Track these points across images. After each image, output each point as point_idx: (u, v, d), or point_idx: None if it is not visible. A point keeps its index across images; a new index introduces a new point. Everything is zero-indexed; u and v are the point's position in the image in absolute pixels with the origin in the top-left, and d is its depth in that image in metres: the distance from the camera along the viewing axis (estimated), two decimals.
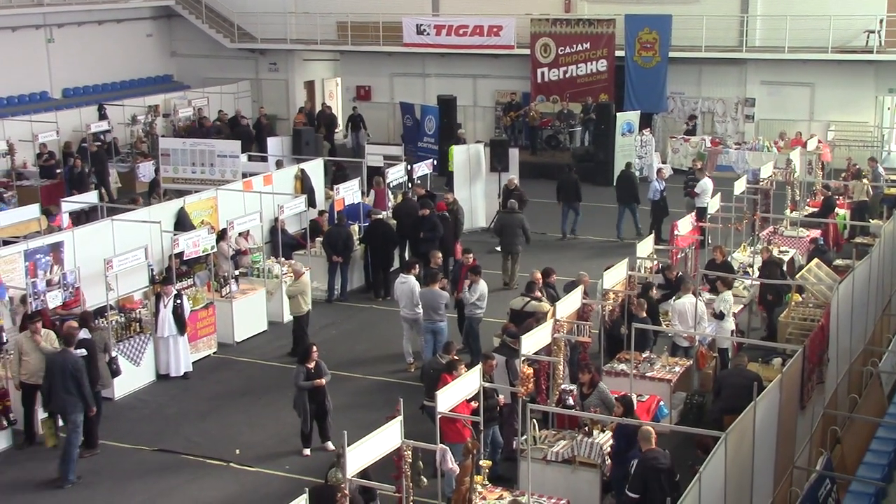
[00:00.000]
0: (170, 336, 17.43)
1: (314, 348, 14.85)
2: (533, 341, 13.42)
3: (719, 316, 16.72)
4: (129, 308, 17.87)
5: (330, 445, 14.89)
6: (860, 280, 15.20)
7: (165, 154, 27.04)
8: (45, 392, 14.50)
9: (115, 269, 16.97)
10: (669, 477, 11.32)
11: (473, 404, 12.24)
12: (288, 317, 19.42)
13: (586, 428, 13.19)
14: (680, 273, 18.60)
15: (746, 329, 18.48)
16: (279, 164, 27.03)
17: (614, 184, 27.19)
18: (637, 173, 30.72)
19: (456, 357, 14.13)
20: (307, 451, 14.89)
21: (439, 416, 11.24)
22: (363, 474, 10.52)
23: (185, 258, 18.71)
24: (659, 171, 26.39)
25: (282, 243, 21.05)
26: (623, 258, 17.03)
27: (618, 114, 32.09)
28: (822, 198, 24.56)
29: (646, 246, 18.22)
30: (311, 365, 14.58)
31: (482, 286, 17.64)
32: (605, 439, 12.97)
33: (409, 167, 25.55)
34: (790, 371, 11.88)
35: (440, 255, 19.48)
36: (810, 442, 13.24)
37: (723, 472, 9.86)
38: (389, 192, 24.58)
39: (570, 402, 13.84)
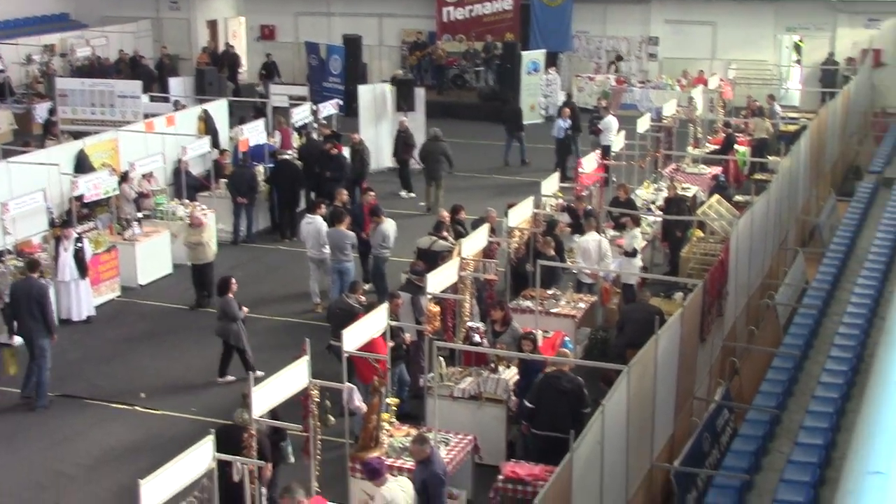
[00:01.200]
0: (71, 280, 17.07)
1: (232, 279, 15.04)
2: (439, 279, 13.46)
3: (632, 253, 16.96)
4: (28, 252, 17.45)
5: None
6: (758, 216, 15.51)
7: (63, 95, 26.22)
8: (9, 317, 14.61)
9: (11, 212, 16.58)
10: (574, 404, 11.54)
11: (390, 343, 12.26)
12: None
13: (492, 365, 13.33)
14: (589, 207, 18.79)
15: (650, 265, 18.80)
16: (177, 105, 26.56)
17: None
18: (543, 112, 30.99)
19: (363, 298, 14.17)
20: (231, 378, 14.91)
21: (345, 355, 11.26)
22: (272, 414, 10.51)
23: (85, 201, 18.33)
24: (563, 109, 26.50)
25: (186, 185, 20.71)
26: (529, 196, 17.13)
27: (523, 53, 32.11)
28: (724, 135, 24.97)
29: (551, 183, 18.34)
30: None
31: (385, 227, 17.57)
32: (510, 375, 13.13)
33: (314, 107, 25.29)
34: (691, 305, 12.11)
35: (346, 193, 19.40)
36: (710, 373, 13.55)
37: (625, 404, 10.04)
38: (294, 133, 24.33)
39: (477, 339, 13.96)
